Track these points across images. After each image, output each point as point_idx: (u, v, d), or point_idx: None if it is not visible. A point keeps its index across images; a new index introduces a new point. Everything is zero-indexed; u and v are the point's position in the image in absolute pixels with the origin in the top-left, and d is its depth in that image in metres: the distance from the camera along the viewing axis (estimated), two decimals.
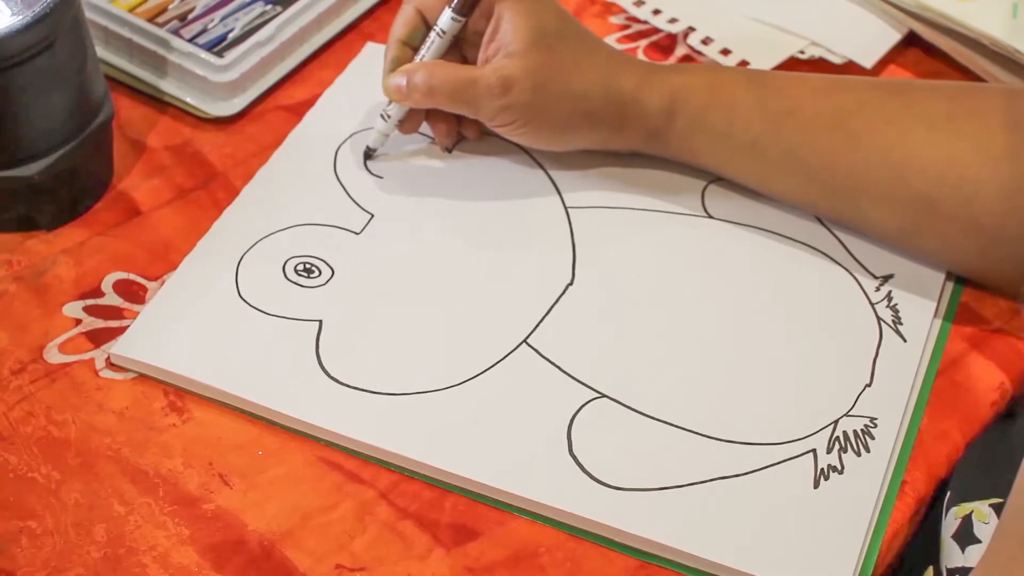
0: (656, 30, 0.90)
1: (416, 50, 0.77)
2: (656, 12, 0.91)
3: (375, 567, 0.64)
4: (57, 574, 0.63)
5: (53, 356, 0.71)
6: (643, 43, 0.89)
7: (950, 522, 0.66)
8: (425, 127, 0.81)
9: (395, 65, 0.77)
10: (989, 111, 0.71)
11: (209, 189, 0.79)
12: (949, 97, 0.73)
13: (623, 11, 0.91)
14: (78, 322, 0.72)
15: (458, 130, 0.81)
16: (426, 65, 0.76)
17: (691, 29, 0.89)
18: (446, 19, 0.76)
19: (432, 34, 0.76)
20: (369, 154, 0.80)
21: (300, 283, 0.74)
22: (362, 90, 0.84)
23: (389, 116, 0.79)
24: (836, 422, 0.69)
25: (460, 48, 0.78)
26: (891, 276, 0.75)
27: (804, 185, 0.75)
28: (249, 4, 0.86)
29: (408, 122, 0.80)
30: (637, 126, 0.76)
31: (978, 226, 0.71)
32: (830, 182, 0.74)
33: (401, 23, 0.77)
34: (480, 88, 0.74)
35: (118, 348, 0.71)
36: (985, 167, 0.70)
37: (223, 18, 0.85)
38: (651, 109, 0.75)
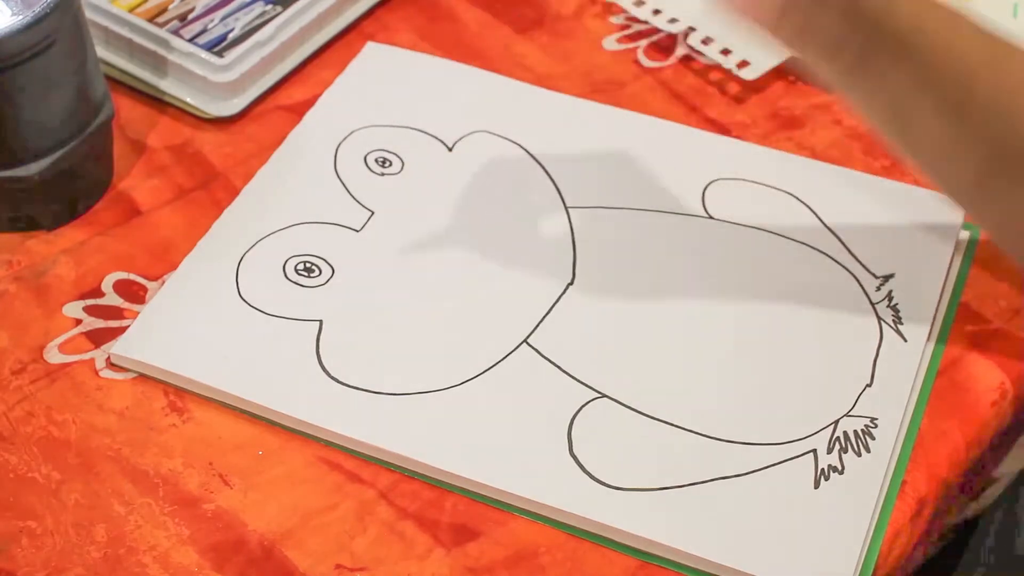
0: (656, 30, 0.90)
1: None
2: (656, 12, 0.90)
3: (375, 567, 0.64)
4: (57, 574, 0.63)
5: (53, 356, 0.71)
6: (643, 43, 0.89)
7: None
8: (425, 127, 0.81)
9: None
10: None
11: (209, 189, 0.79)
12: None
13: (623, 11, 0.91)
14: (78, 322, 0.72)
15: None
16: None
17: (691, 29, 0.89)
18: None
19: None
20: None
21: (300, 283, 0.74)
22: (362, 90, 0.85)
23: None
24: (836, 422, 0.69)
25: None
26: (891, 276, 0.75)
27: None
28: (249, 4, 0.86)
29: None
30: None
31: None
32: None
33: None
34: None
35: (118, 348, 0.71)
36: None
37: (223, 18, 0.85)
38: None
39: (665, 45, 0.89)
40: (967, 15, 0.65)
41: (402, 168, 0.80)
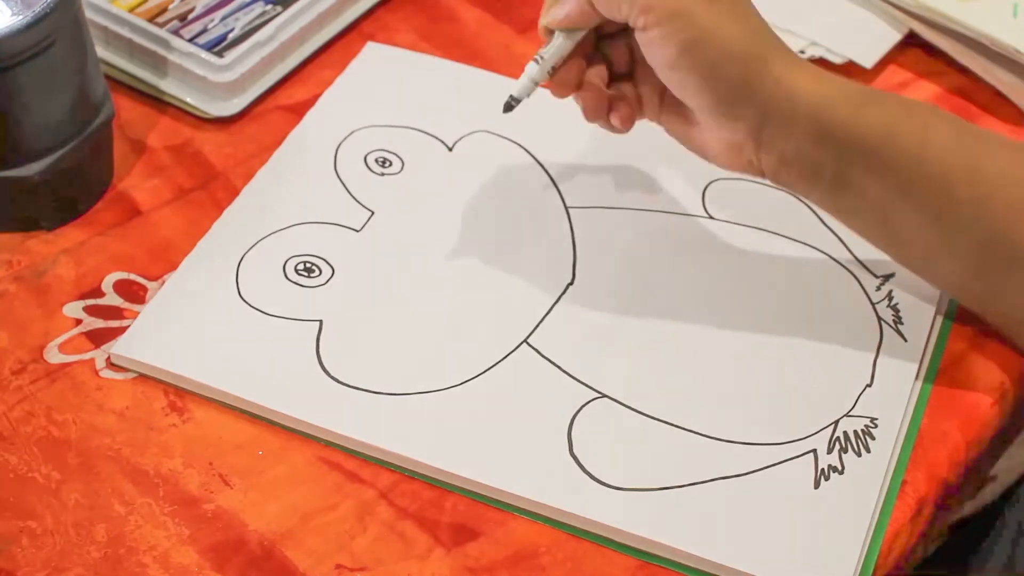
0: None
1: None
2: None
3: (375, 567, 0.64)
4: (57, 574, 0.63)
5: (53, 356, 0.71)
6: None
7: None
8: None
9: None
10: None
11: (209, 189, 0.79)
12: None
13: None
14: (78, 322, 0.72)
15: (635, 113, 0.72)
16: None
17: None
18: None
19: None
20: (511, 105, 0.71)
21: (300, 283, 0.74)
22: (362, 90, 0.85)
23: (542, 59, 0.69)
24: (836, 422, 0.69)
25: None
26: (892, 275, 0.75)
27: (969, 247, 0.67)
28: (249, 4, 0.86)
29: (565, 73, 0.70)
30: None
31: None
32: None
33: None
34: None
35: (118, 348, 0.71)
36: None
37: (223, 18, 0.85)
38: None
39: None
40: (940, 114, 0.67)
41: (402, 168, 0.80)
